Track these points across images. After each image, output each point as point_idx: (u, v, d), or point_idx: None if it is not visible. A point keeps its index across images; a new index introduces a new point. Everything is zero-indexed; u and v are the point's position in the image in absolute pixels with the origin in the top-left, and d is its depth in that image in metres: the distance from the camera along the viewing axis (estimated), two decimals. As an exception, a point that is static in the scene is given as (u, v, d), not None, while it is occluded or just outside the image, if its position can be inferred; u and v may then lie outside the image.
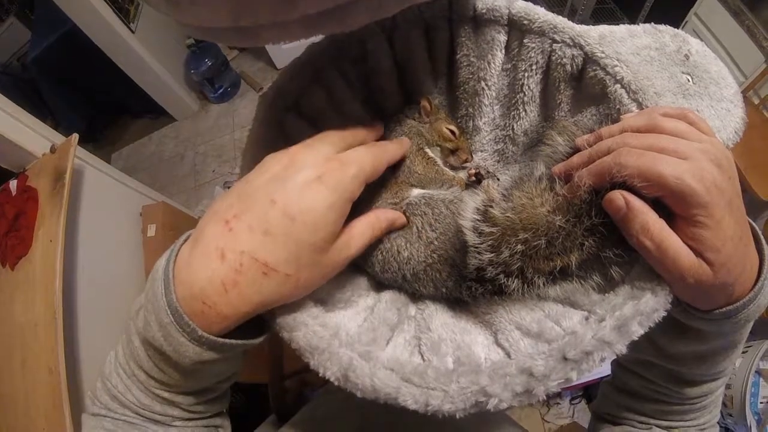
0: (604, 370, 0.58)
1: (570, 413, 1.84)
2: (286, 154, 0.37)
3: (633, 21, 2.36)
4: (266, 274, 0.33)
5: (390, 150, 0.44)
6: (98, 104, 3.19)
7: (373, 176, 0.40)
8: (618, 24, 0.56)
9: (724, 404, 1.58)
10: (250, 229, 0.33)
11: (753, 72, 1.94)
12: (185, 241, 0.36)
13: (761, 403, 1.54)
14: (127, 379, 0.37)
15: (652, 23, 0.58)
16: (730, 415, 1.56)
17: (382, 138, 0.49)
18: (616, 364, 0.55)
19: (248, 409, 1.56)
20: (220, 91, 3.16)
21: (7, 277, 1.41)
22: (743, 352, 1.59)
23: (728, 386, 1.56)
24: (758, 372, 1.55)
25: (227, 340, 0.34)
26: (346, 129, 0.42)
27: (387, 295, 0.45)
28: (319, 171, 0.35)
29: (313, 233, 0.34)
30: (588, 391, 1.84)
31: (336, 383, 0.34)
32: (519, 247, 0.36)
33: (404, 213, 0.45)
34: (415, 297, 0.46)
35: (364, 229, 0.39)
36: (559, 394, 1.84)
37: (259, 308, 0.34)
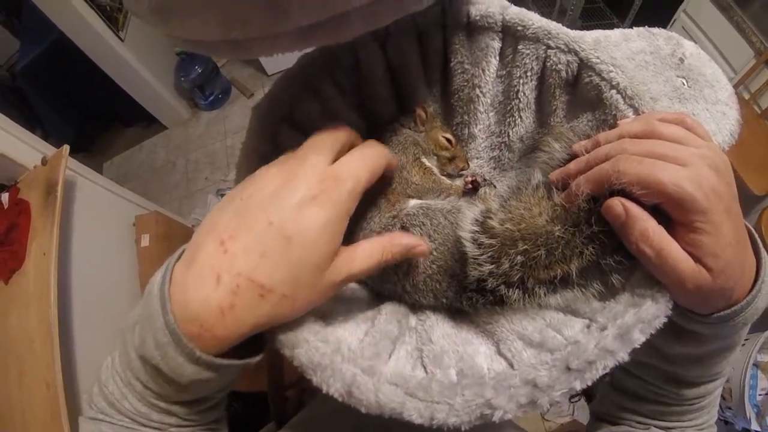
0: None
1: (570, 411, 1.85)
2: (282, 170, 0.36)
3: (622, 20, 2.39)
4: (263, 296, 0.32)
5: (385, 152, 0.42)
6: (88, 113, 3.17)
7: (370, 183, 0.39)
8: (607, 23, 0.56)
9: (723, 397, 1.59)
10: (246, 251, 0.32)
11: (743, 67, 1.96)
12: (180, 257, 0.35)
13: (760, 395, 1.55)
14: (123, 387, 0.36)
15: (646, 27, 0.58)
16: (729, 408, 1.57)
17: None
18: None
19: (249, 417, 1.55)
20: (211, 98, 3.15)
21: (1, 291, 1.40)
22: (740, 345, 1.60)
23: (726, 379, 1.57)
24: (756, 364, 1.56)
25: (225, 361, 0.33)
26: (338, 130, 0.40)
27: (387, 307, 0.44)
28: (314, 190, 0.34)
29: (311, 253, 0.33)
30: (587, 390, 1.84)
31: (340, 399, 0.34)
32: (519, 258, 0.36)
33: (402, 224, 0.44)
34: (416, 308, 0.46)
35: (372, 250, 0.38)
36: (559, 393, 1.84)
37: (256, 329, 0.33)
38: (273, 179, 0.36)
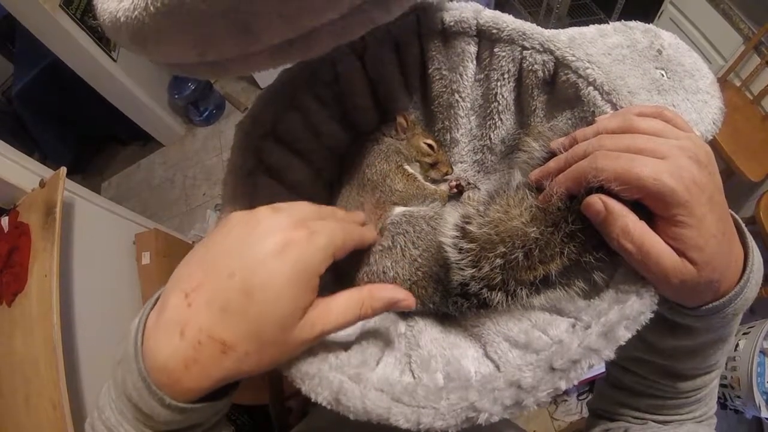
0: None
1: (578, 409, 1.84)
2: (253, 217, 0.35)
3: (609, 15, 2.40)
4: (225, 353, 0.31)
5: (361, 231, 0.41)
6: (85, 134, 3.18)
7: (342, 252, 0.37)
8: (595, 19, 0.56)
9: (731, 386, 1.58)
10: (208, 305, 0.31)
11: (732, 55, 1.96)
12: (155, 303, 0.35)
13: (768, 382, 1.54)
14: (118, 415, 0.37)
15: (623, 21, 0.59)
16: (738, 397, 1.56)
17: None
18: (609, 361, 0.55)
19: (256, 431, 1.55)
20: (206, 113, 3.16)
21: (5, 314, 1.41)
22: (746, 333, 1.59)
23: (734, 368, 1.56)
24: (763, 352, 1.55)
25: (196, 406, 0.33)
26: (324, 206, 0.39)
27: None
28: (284, 240, 0.33)
29: (274, 310, 0.32)
30: (594, 387, 1.84)
31: (329, 407, 0.34)
32: (498, 261, 0.36)
33: (389, 233, 0.45)
34: (404, 314, 0.46)
35: (348, 305, 0.35)
36: (566, 391, 1.84)
37: (223, 382, 0.33)
38: (241, 225, 0.34)
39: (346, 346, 0.39)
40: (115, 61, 2.60)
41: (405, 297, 0.37)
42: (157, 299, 0.35)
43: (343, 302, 0.36)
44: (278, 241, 0.33)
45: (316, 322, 0.34)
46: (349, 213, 0.43)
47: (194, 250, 0.35)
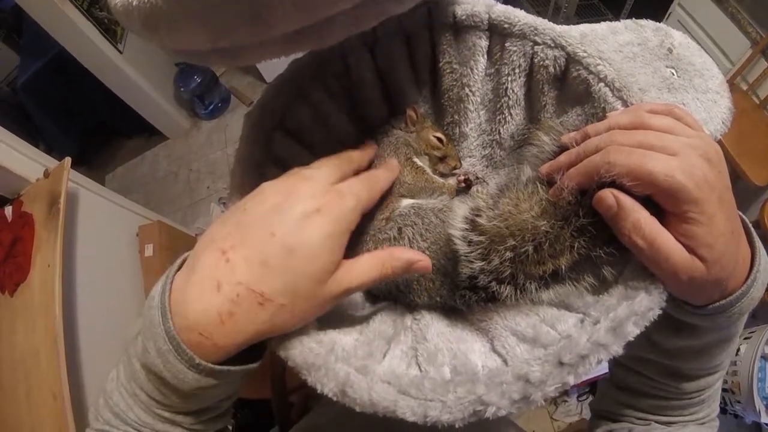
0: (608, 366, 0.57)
1: (578, 410, 1.84)
2: (285, 185, 0.37)
3: (617, 15, 2.39)
4: (262, 305, 0.33)
5: (382, 178, 0.45)
6: (90, 126, 3.19)
7: (369, 206, 0.41)
8: (603, 19, 0.56)
9: (731, 391, 1.57)
10: (247, 261, 0.33)
11: (740, 58, 1.95)
12: (180, 267, 0.36)
13: (769, 387, 1.54)
14: (128, 398, 0.37)
15: (634, 19, 0.59)
16: (739, 402, 1.56)
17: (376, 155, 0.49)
18: (613, 361, 0.55)
19: (257, 425, 1.55)
20: (211, 107, 3.17)
21: (7, 304, 1.41)
22: (747, 338, 1.59)
23: (735, 373, 1.56)
24: (764, 357, 1.55)
25: (225, 368, 0.34)
26: (340, 155, 0.43)
27: (382, 307, 0.45)
28: (318, 203, 0.35)
29: (312, 264, 0.34)
30: (595, 388, 1.84)
31: (334, 399, 0.34)
32: (508, 254, 0.36)
33: (396, 225, 0.44)
34: (411, 307, 0.46)
35: (372, 264, 0.38)
36: (566, 392, 1.84)
37: (255, 338, 0.34)
38: (275, 194, 0.37)
39: (352, 338, 0.39)
40: (121, 53, 2.60)
41: (421, 258, 0.39)
42: (181, 264, 0.36)
43: (366, 261, 0.38)
44: (312, 205, 0.35)
45: (343, 278, 0.36)
46: (363, 153, 0.47)
47: (226, 215, 0.37)
